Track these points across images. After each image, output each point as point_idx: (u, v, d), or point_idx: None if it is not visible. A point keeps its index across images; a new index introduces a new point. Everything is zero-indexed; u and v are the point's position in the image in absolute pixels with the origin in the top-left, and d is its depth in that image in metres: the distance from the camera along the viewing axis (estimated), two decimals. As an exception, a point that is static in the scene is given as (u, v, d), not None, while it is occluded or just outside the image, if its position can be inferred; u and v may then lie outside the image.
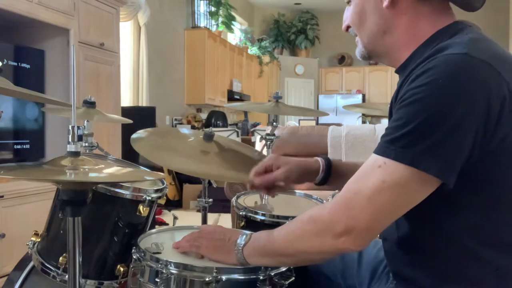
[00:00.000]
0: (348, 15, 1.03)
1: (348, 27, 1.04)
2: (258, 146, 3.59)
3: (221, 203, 2.93)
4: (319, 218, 0.89)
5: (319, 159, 1.25)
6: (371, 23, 0.97)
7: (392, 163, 0.81)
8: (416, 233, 0.93)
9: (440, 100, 0.79)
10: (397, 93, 0.89)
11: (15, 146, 2.98)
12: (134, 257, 1.11)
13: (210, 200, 1.72)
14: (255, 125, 7.09)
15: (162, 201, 1.43)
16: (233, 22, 7.45)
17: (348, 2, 1.02)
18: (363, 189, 0.84)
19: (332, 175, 1.23)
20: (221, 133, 3.12)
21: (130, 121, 2.07)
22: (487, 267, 0.86)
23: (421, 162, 0.79)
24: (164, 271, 1.02)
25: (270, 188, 1.24)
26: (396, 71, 0.99)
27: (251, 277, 1.01)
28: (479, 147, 0.80)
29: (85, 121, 1.68)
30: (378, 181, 0.82)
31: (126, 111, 3.93)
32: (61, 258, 1.27)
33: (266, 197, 1.54)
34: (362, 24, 0.99)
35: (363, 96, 10.04)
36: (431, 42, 0.91)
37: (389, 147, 0.82)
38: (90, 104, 1.82)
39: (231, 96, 7.31)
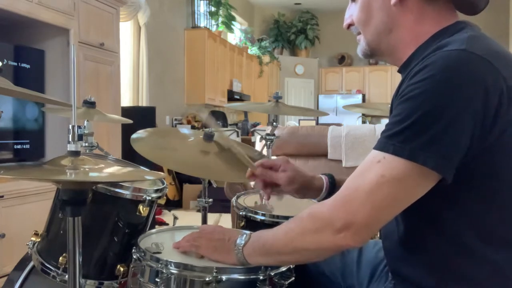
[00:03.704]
0: (351, 13, 1.03)
1: (349, 25, 1.04)
2: (258, 146, 3.59)
3: (221, 203, 2.93)
4: (318, 215, 0.89)
5: (322, 176, 1.24)
6: (378, 20, 0.97)
7: (391, 158, 0.82)
8: (416, 232, 0.93)
9: (438, 95, 0.80)
10: (398, 90, 0.89)
11: (15, 146, 2.98)
12: (134, 257, 1.11)
13: (210, 200, 1.72)
14: (255, 125, 7.09)
15: (162, 201, 1.43)
16: (233, 22, 7.44)
17: (353, 0, 1.02)
18: (362, 185, 0.84)
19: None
20: (222, 132, 3.11)
21: (130, 121, 2.07)
22: (487, 265, 0.86)
23: (419, 156, 0.79)
24: (164, 271, 1.02)
25: (267, 186, 1.23)
26: (399, 71, 0.99)
27: (251, 277, 1.01)
28: (477, 142, 0.81)
29: (85, 121, 1.68)
30: (377, 176, 0.82)
31: (126, 111, 3.92)
32: (61, 258, 1.27)
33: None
34: (368, 21, 0.99)
35: (363, 96, 10.04)
36: (433, 40, 0.92)
37: (388, 142, 0.83)
38: (90, 104, 1.82)
39: (231, 96, 7.31)
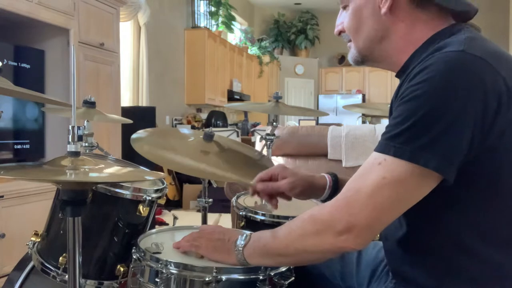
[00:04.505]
0: (342, 20, 1.03)
1: (340, 32, 1.04)
2: (258, 146, 3.59)
3: (221, 203, 2.93)
4: (320, 217, 0.89)
5: (325, 175, 1.24)
6: (369, 28, 0.97)
7: (392, 160, 0.82)
8: (417, 232, 0.93)
9: (438, 96, 0.80)
10: (397, 92, 0.89)
11: (15, 146, 2.98)
12: (134, 257, 1.11)
13: (210, 200, 1.72)
14: (255, 125, 7.09)
15: (162, 201, 1.43)
16: (233, 22, 7.44)
17: (345, 7, 1.02)
18: (363, 187, 0.84)
19: (339, 192, 1.22)
20: (221, 133, 3.12)
21: (130, 121, 2.07)
22: (487, 266, 0.86)
23: (420, 157, 0.79)
24: (164, 271, 1.02)
25: (272, 197, 1.24)
26: (397, 75, 0.99)
27: (251, 277, 1.01)
28: (478, 143, 0.81)
29: (85, 121, 1.68)
30: (379, 178, 0.82)
31: (126, 111, 3.92)
32: (61, 258, 1.27)
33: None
34: (359, 29, 0.99)
35: (363, 96, 10.04)
36: (430, 43, 0.92)
37: (389, 144, 0.83)
38: (90, 104, 1.82)
39: (231, 96, 7.31)
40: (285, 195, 1.24)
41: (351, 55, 1.03)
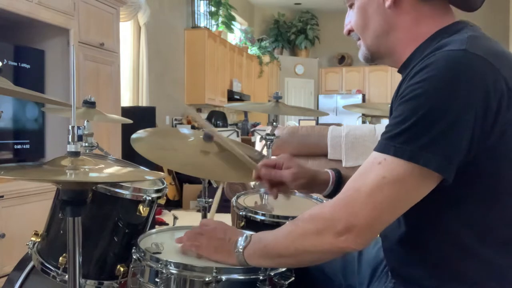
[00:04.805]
0: (350, 19, 1.04)
1: (350, 31, 1.05)
2: (258, 146, 3.58)
3: (221, 203, 2.93)
4: (320, 216, 0.89)
5: (329, 171, 1.24)
6: (375, 24, 0.98)
7: (392, 159, 0.82)
8: (416, 232, 0.93)
9: (438, 96, 0.79)
10: (398, 91, 0.89)
11: (15, 146, 2.98)
12: (134, 257, 1.11)
13: (210, 200, 1.72)
14: (255, 125, 7.09)
15: (162, 201, 1.43)
16: (233, 22, 7.45)
17: (351, 6, 1.03)
18: (363, 186, 0.84)
19: (342, 188, 1.22)
20: (221, 133, 3.11)
21: (130, 121, 2.08)
22: (487, 266, 0.86)
23: (420, 157, 0.79)
24: (164, 271, 1.02)
25: (273, 185, 1.24)
26: (399, 71, 1.00)
27: (251, 277, 1.01)
28: (478, 143, 0.81)
29: (85, 121, 1.68)
30: (378, 178, 0.82)
31: (126, 111, 3.92)
32: (61, 258, 1.27)
33: (266, 197, 1.54)
34: (365, 26, 1.00)
35: (363, 96, 10.04)
36: (432, 40, 0.92)
37: (389, 143, 0.83)
38: (90, 104, 1.82)
39: (231, 96, 7.31)
40: (286, 187, 1.23)
41: (361, 53, 1.04)
